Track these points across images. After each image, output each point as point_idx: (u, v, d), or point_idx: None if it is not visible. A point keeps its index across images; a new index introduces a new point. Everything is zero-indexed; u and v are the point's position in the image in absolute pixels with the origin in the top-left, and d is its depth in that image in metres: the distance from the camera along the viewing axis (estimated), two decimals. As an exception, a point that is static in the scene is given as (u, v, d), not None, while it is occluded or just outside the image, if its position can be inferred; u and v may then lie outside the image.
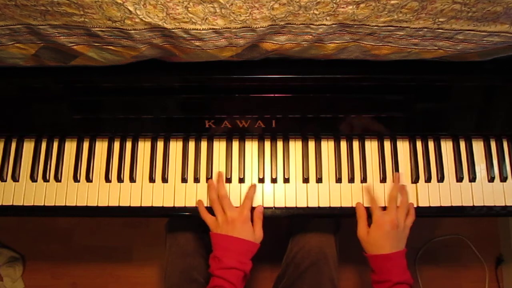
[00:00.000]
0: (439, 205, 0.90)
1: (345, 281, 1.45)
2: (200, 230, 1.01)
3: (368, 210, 0.87)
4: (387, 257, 0.82)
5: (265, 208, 0.90)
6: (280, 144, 0.94)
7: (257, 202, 0.91)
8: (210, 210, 0.89)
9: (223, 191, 0.88)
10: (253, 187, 0.90)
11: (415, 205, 0.90)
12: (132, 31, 0.70)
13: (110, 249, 1.54)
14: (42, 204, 0.91)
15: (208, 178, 0.91)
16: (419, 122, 0.91)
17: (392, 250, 0.82)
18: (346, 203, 0.90)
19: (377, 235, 0.83)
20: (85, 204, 0.91)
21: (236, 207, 0.88)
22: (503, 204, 0.90)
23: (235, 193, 0.91)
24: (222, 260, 0.81)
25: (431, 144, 0.93)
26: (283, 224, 1.39)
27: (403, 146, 0.94)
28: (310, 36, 0.74)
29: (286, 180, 0.92)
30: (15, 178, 0.93)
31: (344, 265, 1.00)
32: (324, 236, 0.99)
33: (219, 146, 0.94)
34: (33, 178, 0.92)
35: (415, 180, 0.91)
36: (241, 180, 0.92)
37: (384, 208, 0.88)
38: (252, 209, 0.89)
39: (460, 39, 0.74)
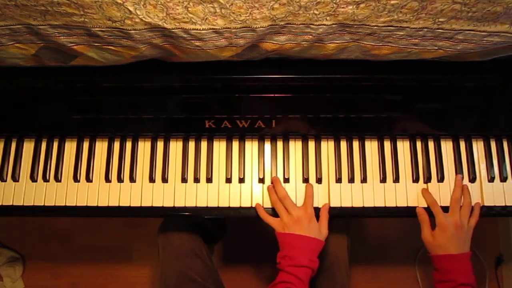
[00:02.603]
0: (439, 205, 0.89)
1: (351, 280, 1.45)
2: (193, 230, 1.01)
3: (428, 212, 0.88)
4: (454, 257, 0.83)
5: (265, 208, 0.90)
6: (280, 144, 0.94)
7: (258, 202, 0.91)
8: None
9: (283, 192, 0.88)
10: (310, 185, 0.90)
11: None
12: (132, 31, 0.70)
13: (110, 249, 1.54)
14: (42, 204, 0.91)
15: (208, 178, 0.91)
16: (419, 122, 0.91)
17: (457, 251, 0.83)
18: (346, 203, 0.90)
19: (443, 238, 0.84)
20: (85, 204, 0.91)
21: (300, 206, 0.88)
22: (503, 204, 0.90)
23: (235, 193, 0.91)
24: (295, 259, 0.81)
25: (431, 144, 0.93)
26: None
27: (403, 146, 0.93)
28: (310, 36, 0.74)
29: (286, 180, 0.92)
30: (15, 178, 0.93)
31: (351, 265, 1.00)
32: (338, 239, 0.98)
33: (219, 146, 0.94)
34: (33, 178, 0.92)
35: (415, 180, 0.91)
36: (241, 180, 0.92)
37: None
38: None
39: (460, 39, 0.74)
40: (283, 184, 0.91)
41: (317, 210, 0.89)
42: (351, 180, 0.91)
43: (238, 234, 1.48)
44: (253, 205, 0.90)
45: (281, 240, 0.85)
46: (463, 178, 0.91)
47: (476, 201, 0.90)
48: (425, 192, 0.90)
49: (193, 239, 1.00)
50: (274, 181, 0.91)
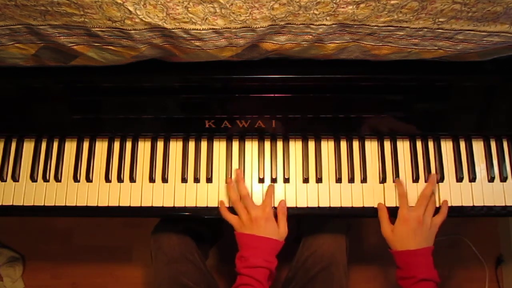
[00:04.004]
0: (439, 205, 0.89)
1: (350, 280, 1.45)
2: (185, 234, 1.00)
3: (388, 209, 0.88)
4: (413, 253, 0.82)
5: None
6: (280, 144, 0.94)
7: (257, 202, 0.90)
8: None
9: (245, 191, 0.88)
10: (272, 185, 0.90)
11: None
12: (132, 31, 0.70)
13: (110, 249, 1.54)
14: (42, 204, 0.91)
15: (208, 178, 0.92)
16: (419, 122, 0.91)
17: (417, 246, 0.82)
18: (346, 203, 0.90)
19: (402, 231, 0.84)
20: (85, 204, 0.91)
21: (258, 205, 0.88)
22: (503, 204, 0.90)
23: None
24: (249, 259, 0.81)
25: (431, 144, 0.93)
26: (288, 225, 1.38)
27: (403, 146, 0.93)
28: (310, 36, 0.74)
29: (286, 180, 0.92)
30: (15, 178, 0.93)
31: (350, 265, 1.00)
32: (336, 239, 0.98)
33: (219, 146, 0.94)
34: (33, 178, 0.92)
35: (415, 180, 0.91)
36: (241, 180, 0.92)
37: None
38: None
39: (460, 39, 0.74)
40: (282, 184, 0.91)
41: (315, 209, 0.90)
42: (351, 180, 0.91)
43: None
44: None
45: (239, 240, 0.86)
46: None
47: (471, 200, 0.90)
48: (398, 183, 0.90)
49: (184, 243, 0.99)
50: (237, 177, 0.90)
